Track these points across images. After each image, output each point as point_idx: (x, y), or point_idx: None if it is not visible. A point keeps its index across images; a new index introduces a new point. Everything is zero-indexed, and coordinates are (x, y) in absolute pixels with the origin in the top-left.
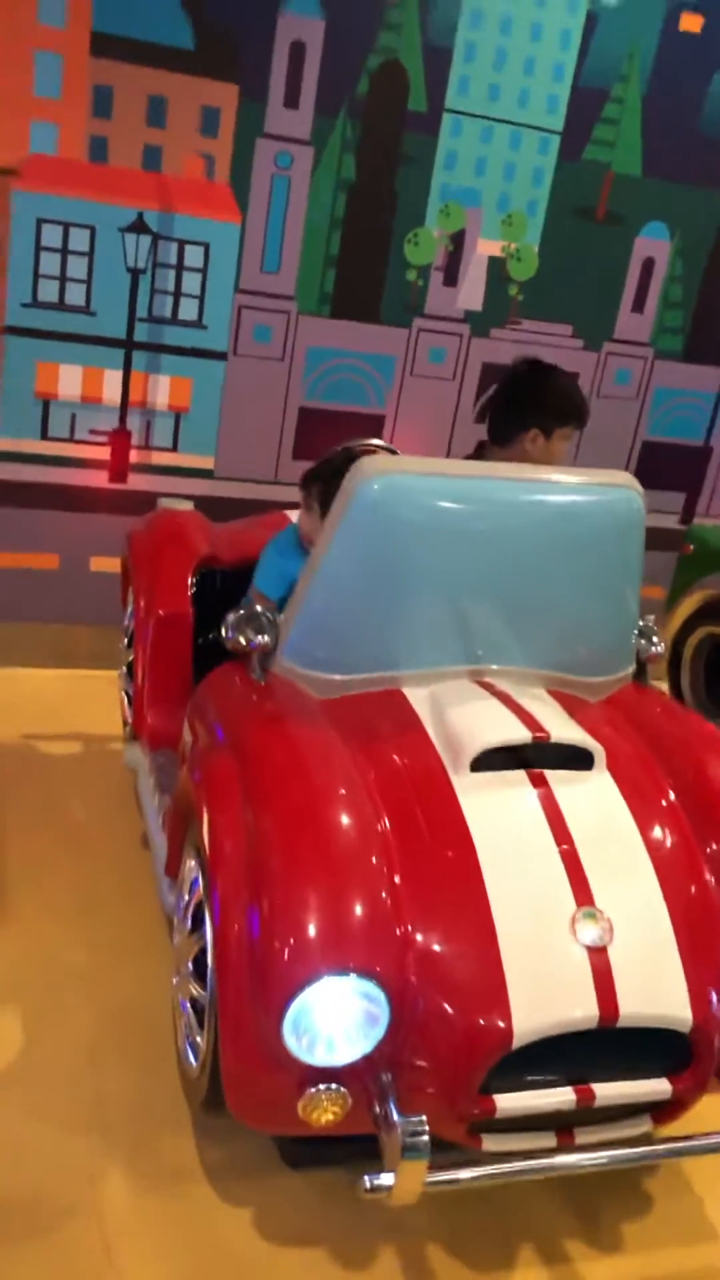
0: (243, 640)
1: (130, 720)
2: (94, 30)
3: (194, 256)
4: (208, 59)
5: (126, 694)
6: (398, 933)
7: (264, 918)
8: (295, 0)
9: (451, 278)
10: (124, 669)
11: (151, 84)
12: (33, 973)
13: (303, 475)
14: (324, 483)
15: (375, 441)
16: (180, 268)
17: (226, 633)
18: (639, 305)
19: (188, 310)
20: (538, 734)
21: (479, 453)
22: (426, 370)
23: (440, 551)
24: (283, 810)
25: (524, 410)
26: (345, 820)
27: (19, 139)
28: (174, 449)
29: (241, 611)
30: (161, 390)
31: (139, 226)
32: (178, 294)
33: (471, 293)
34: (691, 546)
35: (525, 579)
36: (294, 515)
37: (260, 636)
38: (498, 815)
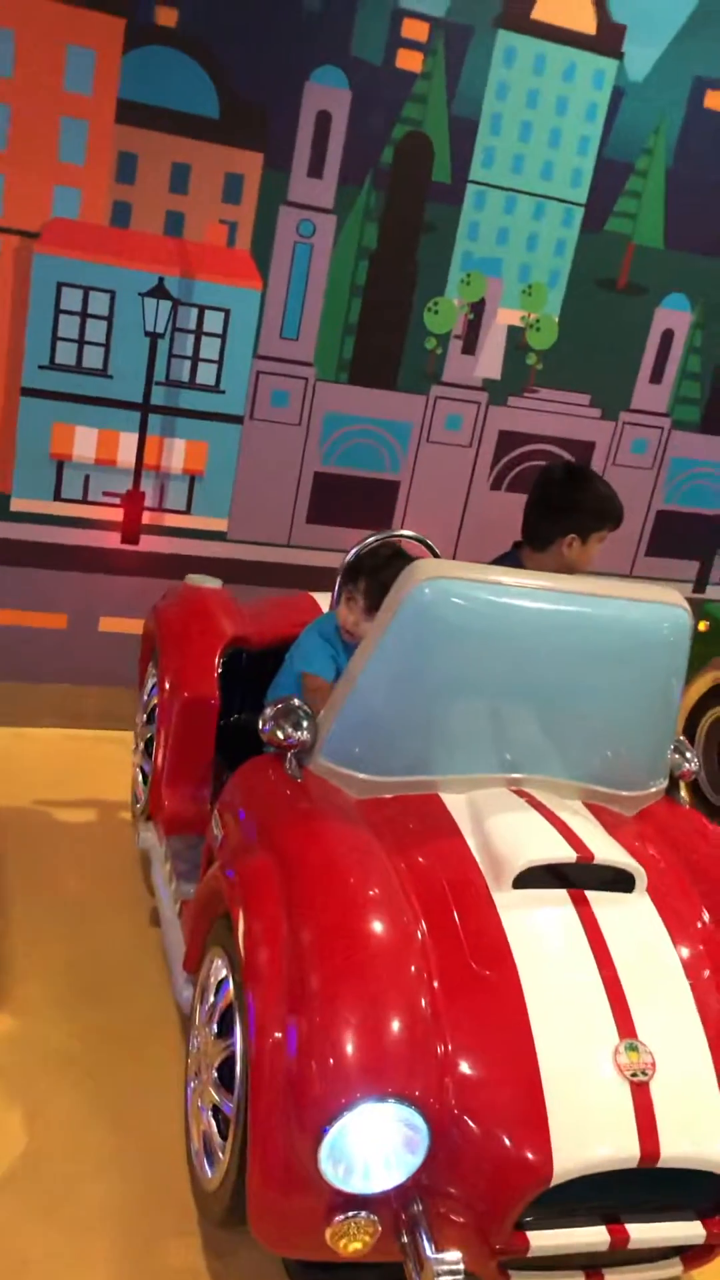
0: (280, 735)
1: (144, 799)
2: (120, 97)
3: (213, 322)
4: (233, 127)
5: (142, 771)
6: (438, 1052)
7: (302, 1036)
8: (322, 71)
9: (471, 346)
10: (140, 745)
11: (176, 151)
12: (29, 1062)
13: (344, 566)
14: (369, 577)
15: (407, 534)
16: (200, 332)
17: (264, 725)
18: (657, 376)
19: (205, 375)
20: (583, 854)
21: (514, 553)
22: (443, 437)
23: (487, 658)
24: (323, 920)
25: (562, 515)
26: (384, 930)
27: (42, 203)
28: (187, 511)
29: (280, 705)
30: (177, 453)
31: (159, 291)
32: (196, 358)
33: (490, 361)
34: (706, 624)
35: (568, 689)
36: (320, 599)
37: (299, 732)
38: (540, 935)
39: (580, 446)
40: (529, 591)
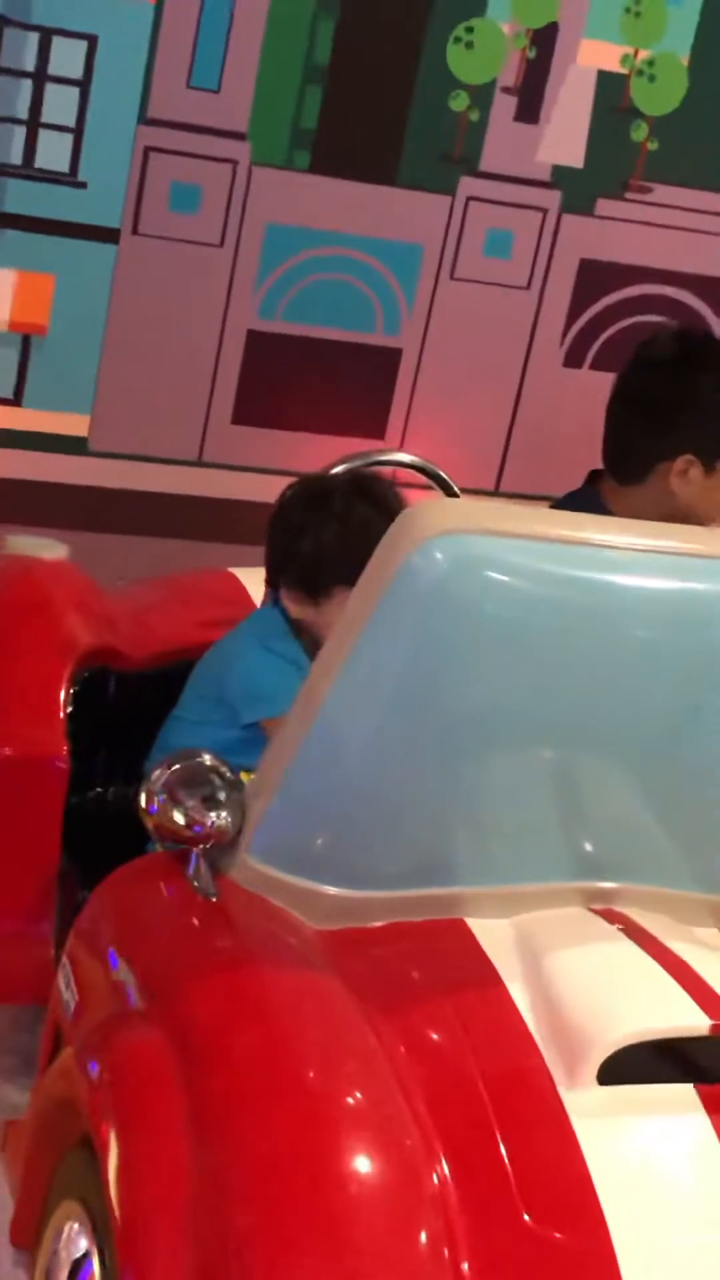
0: (180, 819)
1: None
2: None
3: (67, 58)
4: None
5: None
6: None
7: None
8: None
9: (531, 108)
10: None
11: None
12: None
13: (279, 502)
14: (338, 526)
15: (403, 457)
16: (42, 76)
17: (148, 802)
18: None
19: (51, 152)
20: None
21: (592, 489)
22: (479, 270)
23: (544, 675)
24: (259, 1149)
25: (668, 424)
26: (371, 1165)
27: None
28: (15, 400)
29: (178, 765)
30: None
31: None
32: (35, 124)
33: (566, 135)
34: None
35: (691, 731)
36: (246, 578)
37: (214, 813)
38: (647, 1168)
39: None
40: (619, 557)
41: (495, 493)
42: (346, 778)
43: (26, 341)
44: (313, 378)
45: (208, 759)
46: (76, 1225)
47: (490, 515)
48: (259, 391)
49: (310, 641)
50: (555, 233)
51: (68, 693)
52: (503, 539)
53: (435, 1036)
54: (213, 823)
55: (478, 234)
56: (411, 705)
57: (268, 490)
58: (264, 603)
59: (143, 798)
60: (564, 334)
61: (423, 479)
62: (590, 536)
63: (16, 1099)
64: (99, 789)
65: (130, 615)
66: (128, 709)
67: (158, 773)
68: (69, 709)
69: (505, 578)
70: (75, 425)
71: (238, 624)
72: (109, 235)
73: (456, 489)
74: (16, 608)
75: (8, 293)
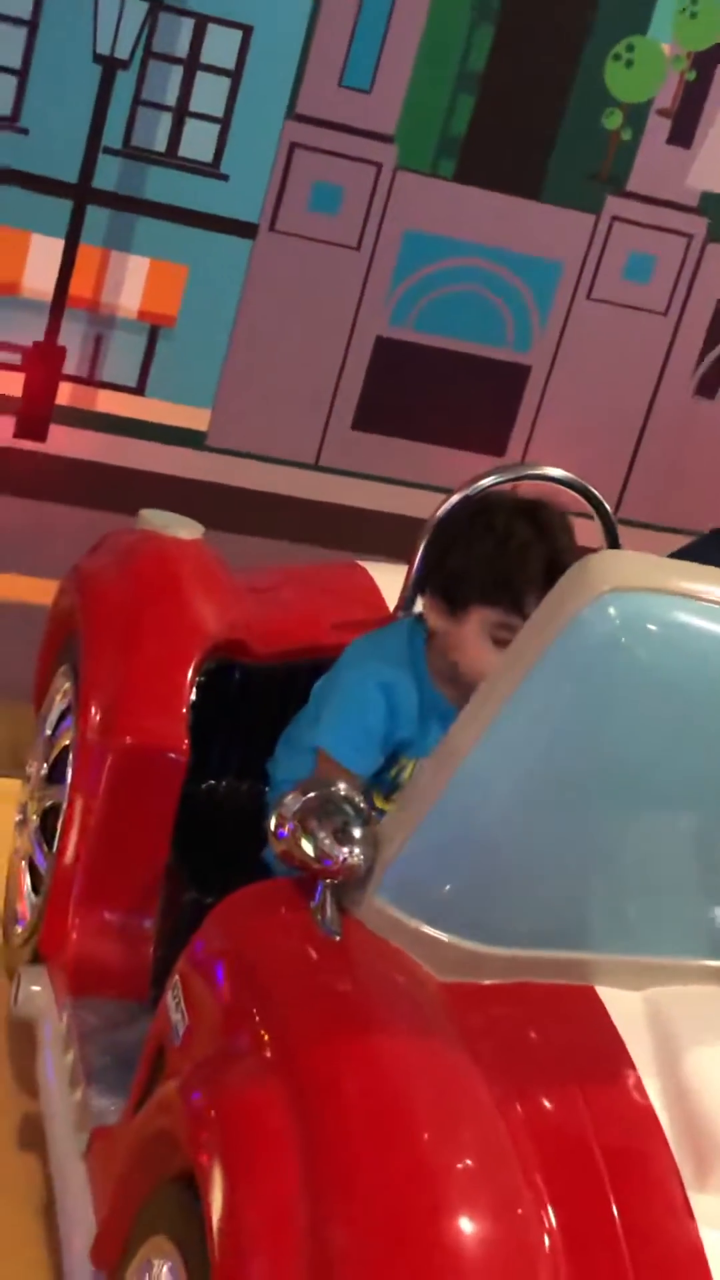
0: (310, 850)
1: (31, 920)
2: None
3: (221, 46)
4: None
5: (31, 865)
6: None
7: None
8: None
9: (686, 130)
10: (34, 815)
11: None
12: None
13: (433, 530)
14: (494, 543)
15: (554, 473)
16: (194, 64)
17: (279, 827)
18: None
19: (197, 143)
20: None
21: (716, 541)
22: (618, 293)
23: (701, 741)
24: (369, 1205)
25: None
26: (482, 1232)
27: None
28: (139, 390)
29: (313, 792)
30: (130, 282)
31: None
32: (182, 112)
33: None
34: None
35: None
36: (377, 574)
37: (346, 850)
38: None
39: None
40: None
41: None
42: (487, 826)
43: (154, 331)
44: (438, 389)
45: (343, 789)
46: (169, 1265)
47: (670, 572)
48: (382, 398)
49: (438, 658)
50: (699, 260)
51: (192, 683)
52: (680, 599)
53: (554, 1106)
54: (345, 858)
55: (619, 255)
56: (564, 760)
57: (383, 499)
58: (399, 607)
59: (272, 821)
60: (698, 363)
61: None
62: None
63: (106, 1108)
64: (212, 781)
65: (260, 606)
66: (250, 703)
67: (290, 798)
68: (194, 701)
69: (679, 639)
70: (196, 419)
71: (368, 629)
72: (246, 230)
73: (613, 516)
74: (150, 588)
75: (140, 281)
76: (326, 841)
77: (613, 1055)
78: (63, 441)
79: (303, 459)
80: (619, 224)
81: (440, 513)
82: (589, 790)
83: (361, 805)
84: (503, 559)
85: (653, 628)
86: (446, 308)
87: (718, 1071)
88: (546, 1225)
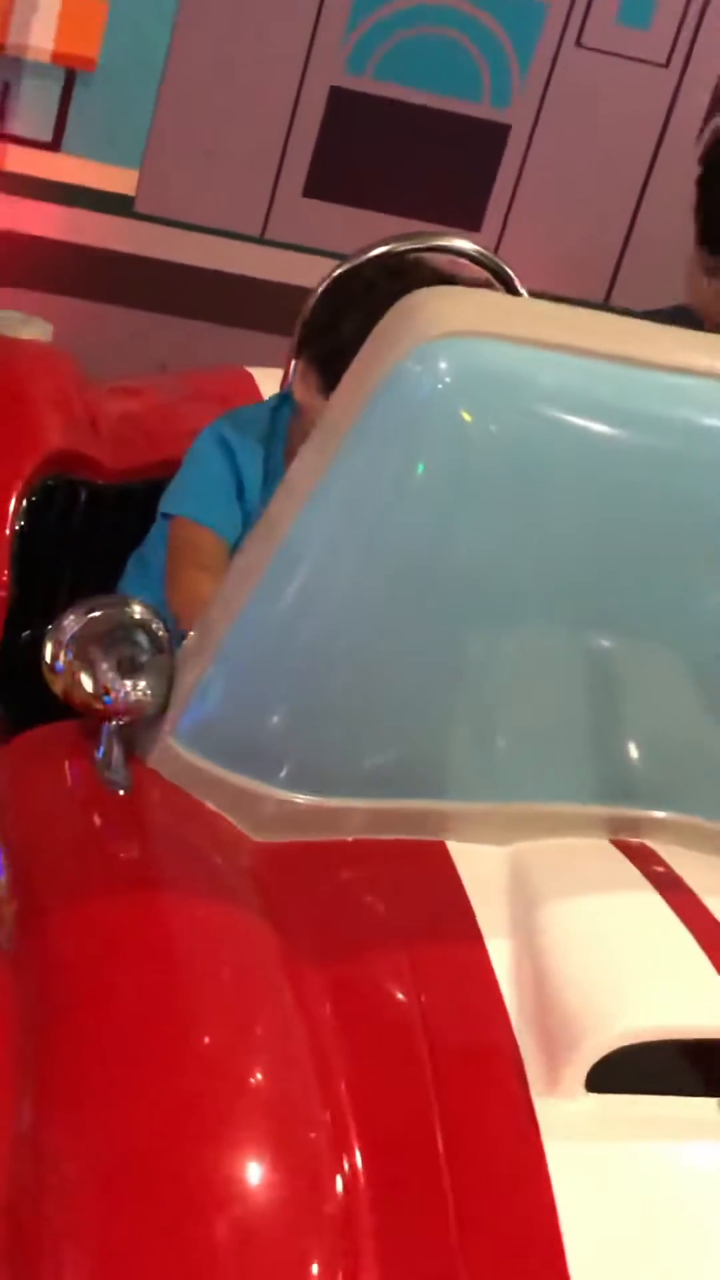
0: (89, 685)
1: None
2: None
3: None
4: None
5: None
6: None
7: None
8: None
9: None
10: None
11: None
12: None
13: (316, 297)
14: (361, 314)
15: (463, 245)
16: None
17: (53, 657)
18: None
19: None
20: None
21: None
22: (610, 39)
23: (567, 527)
24: (108, 1130)
25: None
26: (259, 1169)
27: None
28: (53, 145)
29: (95, 613)
30: (42, 17)
31: None
32: None
33: None
34: None
35: None
36: (264, 380)
37: (130, 683)
38: (636, 1219)
39: None
40: (685, 382)
41: (604, 306)
42: (305, 646)
43: (71, 77)
44: (404, 150)
45: (137, 610)
46: None
47: (517, 313)
48: (339, 161)
49: (301, 436)
50: (706, 3)
51: (19, 503)
52: (529, 348)
53: (375, 994)
54: (127, 693)
55: None
56: (395, 556)
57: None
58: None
59: (47, 649)
60: (703, 124)
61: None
62: (651, 352)
63: None
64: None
65: (120, 417)
66: (98, 530)
67: (71, 619)
68: (20, 524)
69: (528, 398)
70: (121, 181)
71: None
72: None
73: (518, 285)
74: None
75: (52, 18)
76: (109, 674)
77: (458, 927)
78: None
79: (247, 230)
80: None
81: (323, 282)
82: (428, 591)
83: (158, 629)
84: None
85: (493, 382)
86: (412, 54)
87: (582, 944)
88: (346, 1147)
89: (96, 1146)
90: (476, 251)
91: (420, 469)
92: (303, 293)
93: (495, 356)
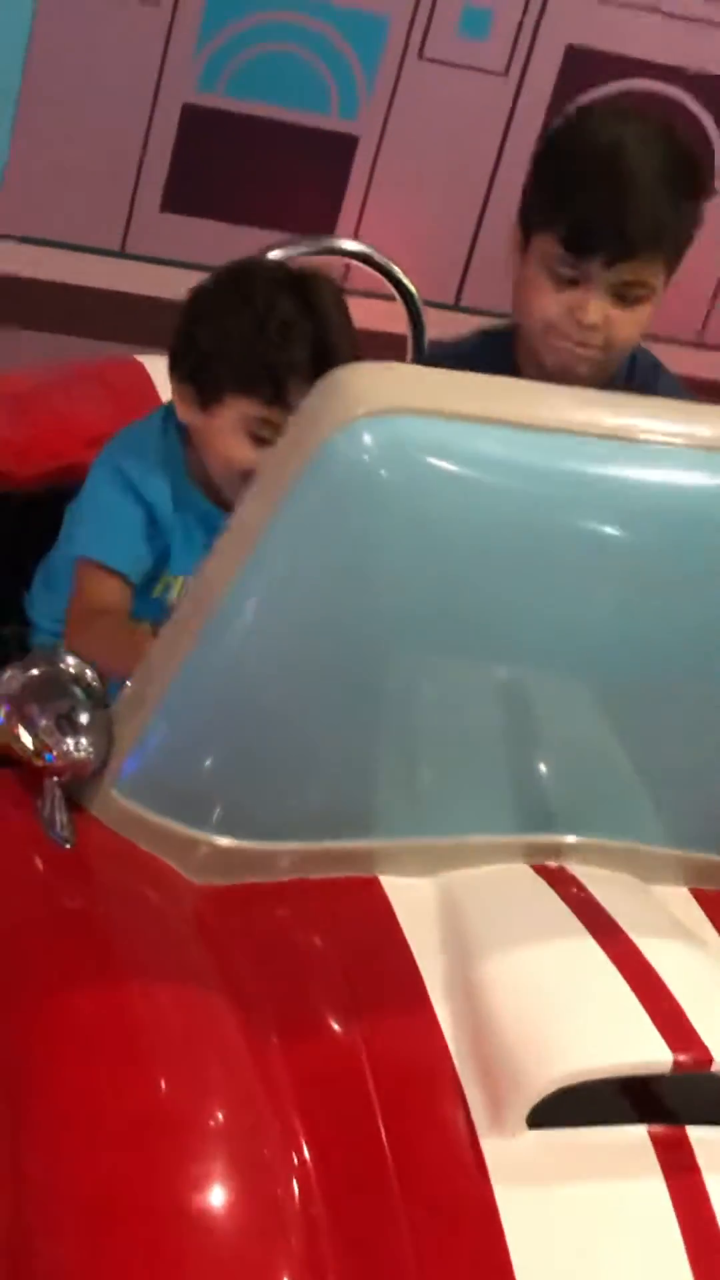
0: (29, 743)
1: None
2: None
3: None
4: None
5: None
6: None
7: None
8: None
9: None
10: None
11: None
12: None
13: (189, 304)
14: (251, 319)
15: (358, 247)
16: None
17: None
18: None
19: None
20: (690, 1052)
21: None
22: (451, 51)
23: (487, 586)
24: (86, 1183)
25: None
26: (218, 1218)
27: None
28: None
29: (33, 671)
30: None
31: None
32: None
33: None
34: None
35: (660, 649)
36: (156, 368)
37: (71, 741)
38: (586, 1243)
39: None
40: (602, 447)
41: (455, 306)
42: (240, 700)
43: None
44: (256, 163)
45: (71, 664)
46: None
47: (432, 388)
48: (194, 175)
49: (195, 455)
50: (540, 13)
51: None
52: (448, 420)
53: (320, 1031)
54: (69, 750)
55: (452, 9)
56: (326, 616)
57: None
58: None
59: None
60: (543, 129)
61: (381, 286)
62: (572, 419)
63: None
64: None
65: (10, 416)
66: (4, 537)
67: (8, 675)
68: None
69: (445, 468)
70: None
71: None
72: None
73: (418, 296)
74: None
75: None
76: (47, 731)
77: (395, 961)
78: None
79: (106, 245)
80: None
81: (197, 287)
82: (358, 649)
83: (94, 683)
84: (261, 340)
85: (414, 454)
86: (261, 70)
87: (513, 974)
88: (302, 1184)
89: (67, 1202)
90: (373, 255)
91: (347, 539)
92: (161, 305)
93: (415, 431)
